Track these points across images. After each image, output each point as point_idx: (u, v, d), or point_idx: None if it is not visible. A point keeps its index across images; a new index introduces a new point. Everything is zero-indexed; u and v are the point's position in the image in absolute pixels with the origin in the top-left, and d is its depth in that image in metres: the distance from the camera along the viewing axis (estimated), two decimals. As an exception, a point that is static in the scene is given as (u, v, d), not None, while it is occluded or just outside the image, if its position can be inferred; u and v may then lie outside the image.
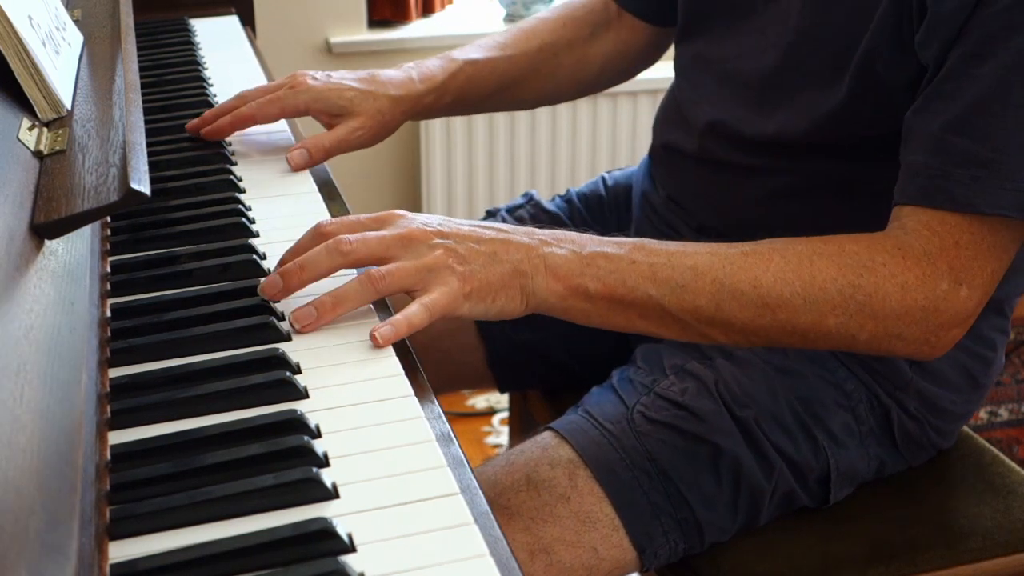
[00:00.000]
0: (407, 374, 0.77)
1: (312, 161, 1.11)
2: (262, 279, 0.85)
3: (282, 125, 1.21)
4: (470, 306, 0.85)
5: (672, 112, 1.21)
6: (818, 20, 1.00)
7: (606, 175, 1.37)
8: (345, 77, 1.15)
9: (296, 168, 1.10)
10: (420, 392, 0.76)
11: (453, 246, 0.84)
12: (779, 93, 1.05)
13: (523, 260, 0.86)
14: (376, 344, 0.79)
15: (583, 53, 1.29)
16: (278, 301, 0.84)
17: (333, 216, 1.01)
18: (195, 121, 1.15)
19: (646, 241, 0.91)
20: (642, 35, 1.30)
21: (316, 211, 1.02)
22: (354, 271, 0.86)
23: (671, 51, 1.28)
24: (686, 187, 1.19)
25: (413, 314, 0.81)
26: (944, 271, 0.88)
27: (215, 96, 1.29)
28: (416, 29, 2.52)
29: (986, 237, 0.88)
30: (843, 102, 0.98)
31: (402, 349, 0.81)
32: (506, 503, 0.98)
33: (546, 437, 1.04)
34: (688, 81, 1.19)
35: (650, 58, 1.34)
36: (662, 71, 1.38)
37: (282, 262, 0.86)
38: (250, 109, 1.12)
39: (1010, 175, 0.86)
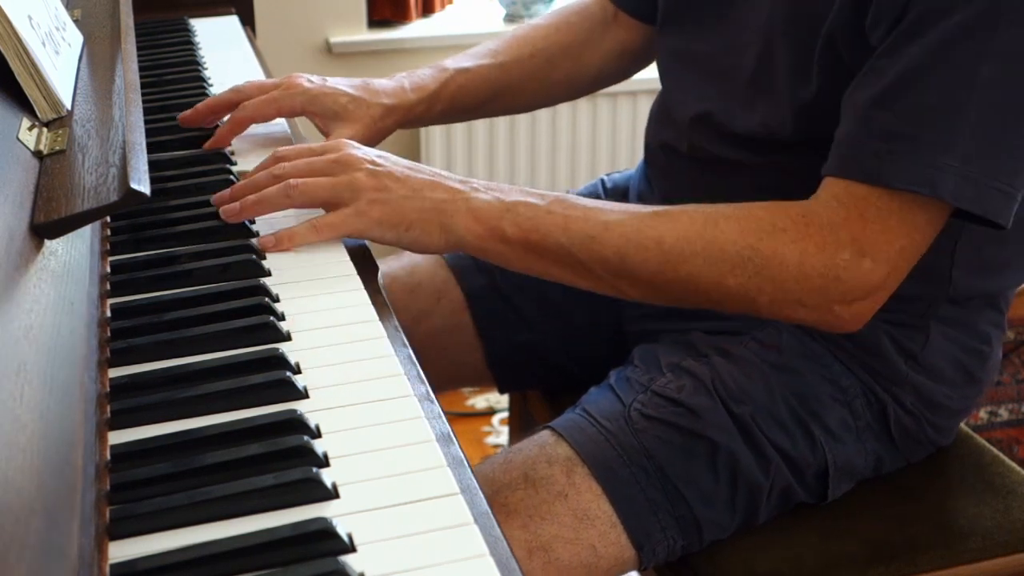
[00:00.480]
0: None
1: None
2: (262, 279, 0.86)
3: (280, 121, 1.22)
4: (380, 231, 0.91)
5: (662, 112, 1.22)
6: (788, 9, 1.01)
7: (605, 178, 1.38)
8: (339, 83, 1.16)
9: None
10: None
11: (377, 172, 0.92)
12: (761, 86, 1.05)
13: (446, 200, 0.92)
14: (262, 247, 0.91)
15: (578, 58, 1.29)
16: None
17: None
18: (188, 113, 1.16)
19: (568, 196, 0.97)
20: (638, 35, 1.30)
21: (316, 212, 1.02)
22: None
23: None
24: (680, 186, 1.19)
25: (299, 230, 0.91)
26: (846, 241, 0.89)
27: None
28: (416, 29, 2.52)
29: (895, 213, 0.89)
30: (816, 91, 0.99)
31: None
32: (504, 501, 0.98)
33: (544, 435, 1.04)
34: (672, 79, 1.19)
35: (647, 58, 1.34)
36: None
37: (236, 191, 0.95)
38: (246, 112, 1.13)
39: (924, 152, 0.87)
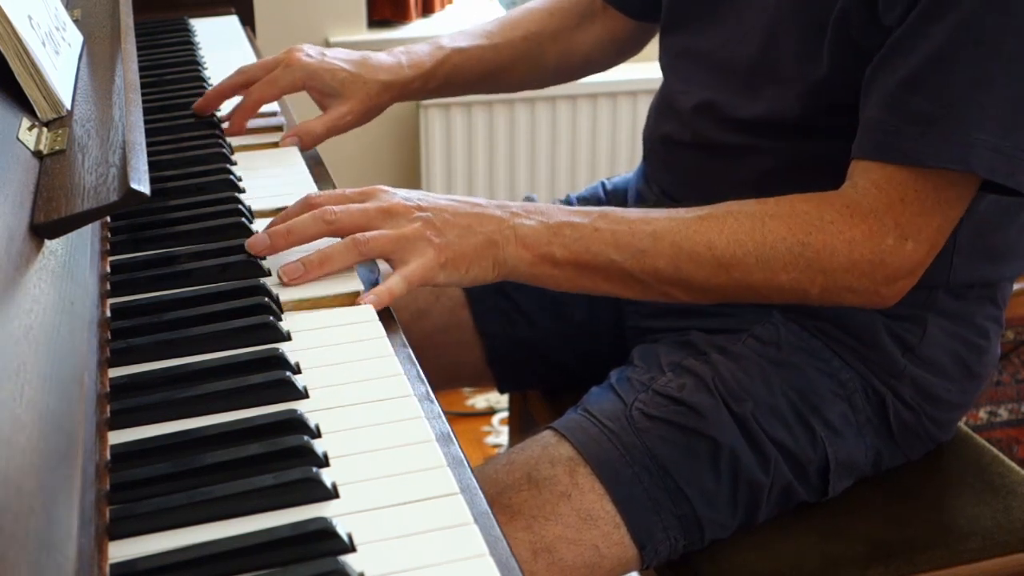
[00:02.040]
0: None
1: (304, 146, 1.17)
2: (262, 279, 0.86)
3: (279, 119, 1.24)
4: (446, 275, 0.91)
5: (663, 105, 1.22)
6: None
7: (605, 181, 1.39)
8: (338, 56, 1.20)
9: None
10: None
11: (430, 218, 0.90)
12: (766, 74, 1.06)
13: (495, 231, 0.92)
14: (366, 303, 0.86)
15: (568, 43, 1.32)
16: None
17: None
18: (200, 102, 1.20)
19: (610, 209, 0.97)
20: (625, 28, 1.32)
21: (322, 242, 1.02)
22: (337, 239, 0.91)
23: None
24: (679, 178, 1.20)
25: (393, 283, 0.88)
26: (890, 227, 0.93)
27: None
28: (416, 29, 2.52)
29: (931, 193, 0.92)
30: (826, 74, 1.00)
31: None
32: (507, 502, 0.98)
33: (546, 436, 1.04)
34: (675, 74, 1.20)
35: (633, 49, 1.37)
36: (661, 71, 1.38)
37: (270, 226, 0.91)
38: (253, 97, 1.17)
39: (955, 129, 0.89)
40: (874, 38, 0.95)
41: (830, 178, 1.04)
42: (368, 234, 0.89)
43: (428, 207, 0.92)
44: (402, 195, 0.93)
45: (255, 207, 1.01)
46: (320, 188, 1.06)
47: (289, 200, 0.96)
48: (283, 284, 0.88)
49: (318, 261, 0.88)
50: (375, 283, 0.90)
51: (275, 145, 1.17)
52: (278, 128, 1.21)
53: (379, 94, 1.20)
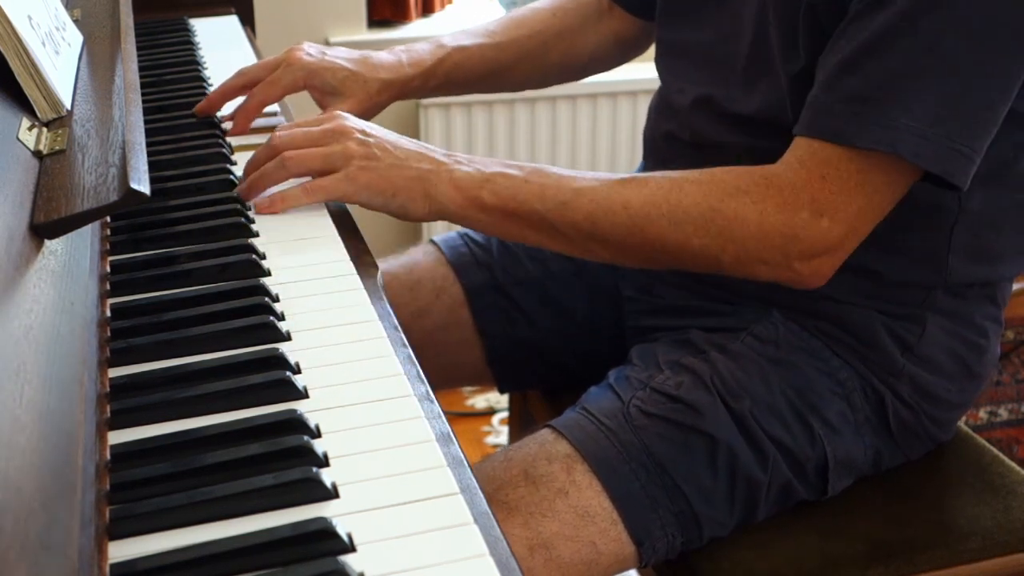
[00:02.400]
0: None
1: None
2: (262, 279, 0.86)
3: (279, 118, 1.24)
4: (368, 196, 0.97)
5: (661, 104, 1.22)
6: None
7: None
8: (339, 55, 1.21)
9: None
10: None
11: (369, 143, 0.98)
12: (758, 71, 1.07)
13: (431, 171, 0.98)
14: (258, 211, 0.98)
15: (572, 42, 1.32)
16: (262, 256, 0.93)
17: (332, 215, 1.01)
18: (202, 104, 1.21)
19: (545, 167, 1.01)
20: (631, 27, 1.32)
21: (315, 211, 1.02)
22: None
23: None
24: None
25: (291, 194, 0.98)
26: (805, 201, 0.93)
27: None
28: (416, 29, 2.52)
29: (854, 173, 0.93)
30: (805, 68, 1.00)
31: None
32: (504, 499, 0.98)
33: (544, 433, 1.04)
34: (670, 72, 1.20)
35: (637, 49, 1.36)
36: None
37: (245, 173, 1.02)
38: (255, 99, 1.18)
39: (887, 113, 0.90)
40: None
41: None
42: (296, 151, 0.97)
43: (371, 133, 0.98)
44: (354, 121, 1.00)
45: (268, 249, 0.98)
46: (328, 214, 1.05)
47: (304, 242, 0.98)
48: (244, 200, 1.00)
49: (255, 178, 0.99)
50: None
51: None
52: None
53: (379, 92, 1.21)
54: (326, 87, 1.19)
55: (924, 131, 0.90)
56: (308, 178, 1.00)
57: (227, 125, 1.20)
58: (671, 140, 1.19)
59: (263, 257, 0.92)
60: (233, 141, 1.17)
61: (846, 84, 0.92)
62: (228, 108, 1.22)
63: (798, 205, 0.93)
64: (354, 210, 1.07)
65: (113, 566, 0.59)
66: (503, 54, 1.29)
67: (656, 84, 1.25)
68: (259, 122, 1.21)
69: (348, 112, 1.17)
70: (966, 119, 0.91)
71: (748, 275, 0.98)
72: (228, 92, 1.20)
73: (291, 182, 1.01)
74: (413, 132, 2.50)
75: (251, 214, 1.00)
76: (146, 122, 1.07)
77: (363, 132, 0.99)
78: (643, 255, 0.99)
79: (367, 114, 1.21)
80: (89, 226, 0.81)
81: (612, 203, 0.97)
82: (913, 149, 0.90)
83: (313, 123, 1.01)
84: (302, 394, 0.74)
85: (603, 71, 1.39)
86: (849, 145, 0.91)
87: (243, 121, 1.19)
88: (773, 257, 0.95)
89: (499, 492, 0.98)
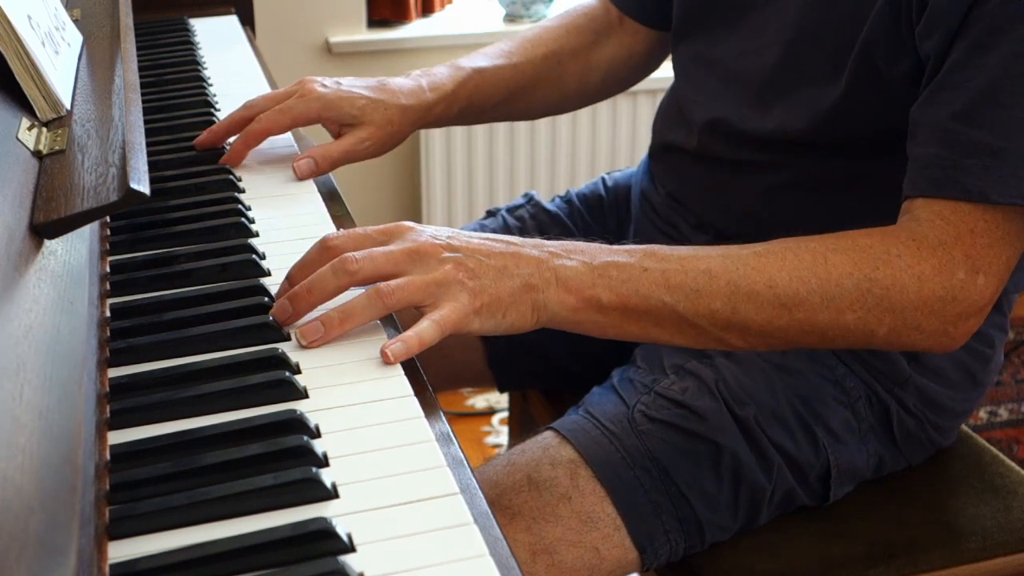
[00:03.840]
0: (413, 388, 0.76)
1: (319, 171, 1.10)
2: (262, 279, 0.86)
3: (288, 141, 1.20)
4: (480, 321, 0.83)
5: (672, 111, 1.22)
6: (817, 16, 1.00)
7: (606, 176, 1.38)
8: (355, 85, 1.13)
9: (302, 177, 1.08)
10: (427, 409, 0.75)
11: (463, 260, 0.83)
12: (779, 90, 1.05)
13: (534, 274, 0.84)
14: (387, 361, 0.78)
15: (587, 60, 1.29)
16: (289, 325, 0.82)
17: (332, 215, 1.01)
18: (204, 136, 1.13)
19: (656, 247, 0.90)
20: (644, 40, 1.30)
21: (315, 211, 1.02)
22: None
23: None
24: (686, 185, 1.19)
25: (424, 330, 0.80)
26: (960, 260, 0.87)
27: (215, 96, 1.29)
28: (416, 29, 2.52)
29: (1000, 225, 0.87)
30: (843, 97, 0.98)
31: (408, 363, 0.80)
32: (508, 503, 0.98)
33: (547, 437, 1.04)
34: (688, 81, 1.19)
35: (653, 63, 1.34)
36: (661, 71, 1.38)
37: (289, 278, 0.84)
38: (261, 125, 1.10)
39: (1020, 163, 0.86)
40: (901, 65, 0.93)
41: (837, 195, 1.04)
42: (394, 283, 0.81)
43: (459, 246, 0.84)
44: (429, 233, 0.85)
45: (268, 249, 0.94)
46: (330, 215, 1.01)
47: (289, 199, 0.95)
48: (301, 347, 0.80)
49: (339, 319, 0.80)
50: None
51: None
52: (286, 148, 1.14)
53: (400, 119, 1.13)
54: (344, 118, 1.11)
55: None
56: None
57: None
58: (676, 150, 1.19)
59: (263, 257, 0.92)
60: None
61: (968, 136, 0.87)
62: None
63: (954, 265, 0.87)
64: (352, 205, 1.07)
65: (113, 566, 0.59)
66: (521, 75, 1.25)
67: (655, 84, 1.25)
68: (268, 152, 1.14)
69: (367, 139, 1.12)
70: None
71: (900, 345, 0.91)
72: (234, 125, 1.12)
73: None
74: (414, 135, 2.49)
75: (251, 214, 1.00)
76: (146, 122, 1.07)
77: (449, 247, 0.83)
78: (788, 339, 0.90)
79: (388, 141, 1.14)
80: (89, 226, 0.81)
81: (754, 284, 0.87)
82: None
83: (378, 237, 0.85)
84: (302, 394, 0.74)
85: (619, 90, 1.35)
86: (991, 202, 0.86)
87: (242, 148, 1.10)
88: (930, 323, 0.88)
89: (502, 497, 0.98)
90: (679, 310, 0.87)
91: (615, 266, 0.86)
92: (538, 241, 0.88)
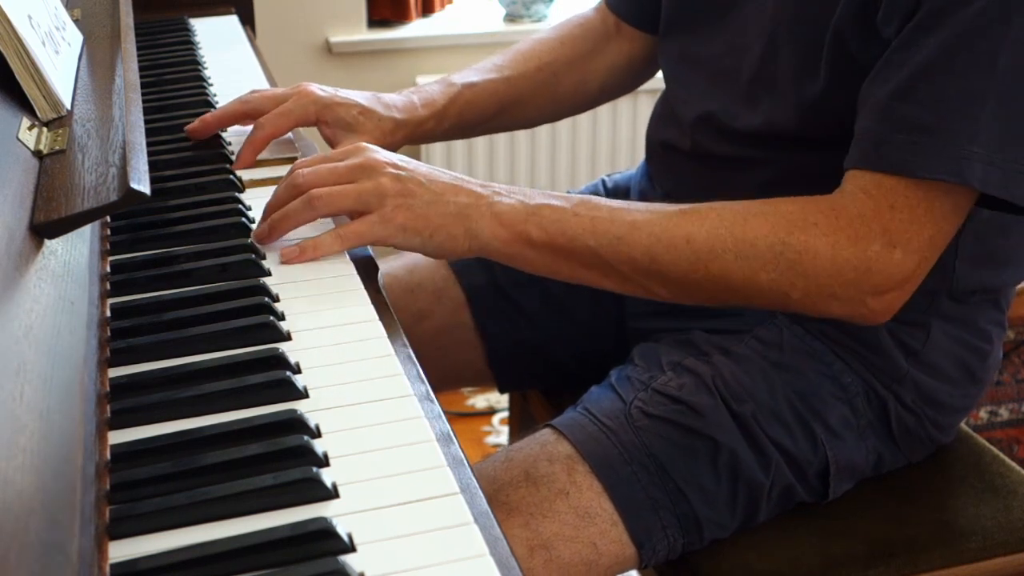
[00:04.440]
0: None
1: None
2: (262, 279, 0.86)
3: (289, 137, 1.21)
4: (405, 237, 0.90)
5: (664, 111, 1.22)
6: (792, 9, 1.02)
7: (606, 178, 1.38)
8: (350, 93, 1.15)
9: None
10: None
11: (401, 177, 0.90)
12: (765, 85, 1.06)
13: (470, 205, 0.91)
14: (283, 261, 0.90)
15: (583, 70, 1.29)
16: (263, 256, 0.91)
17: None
18: (196, 125, 1.13)
19: (594, 198, 0.95)
20: (643, 45, 1.30)
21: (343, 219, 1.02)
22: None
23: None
24: (682, 183, 1.19)
25: (324, 240, 0.90)
26: (877, 232, 0.90)
27: (215, 96, 1.29)
28: (416, 29, 2.52)
29: (922, 202, 0.89)
30: (824, 89, 0.99)
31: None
32: (505, 499, 0.98)
33: (544, 433, 1.04)
34: (676, 80, 1.19)
35: (653, 67, 1.33)
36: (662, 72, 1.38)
37: (266, 212, 0.94)
38: (264, 131, 1.11)
39: (949, 141, 0.88)
40: (872, 51, 0.94)
41: (829, 189, 1.04)
42: (326, 189, 0.89)
43: (403, 167, 0.91)
44: (383, 154, 0.92)
45: (268, 249, 0.95)
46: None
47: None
48: (259, 243, 0.92)
49: (279, 218, 0.91)
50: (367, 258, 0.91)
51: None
52: (291, 160, 1.13)
53: (393, 132, 1.16)
54: (339, 122, 1.13)
55: (990, 157, 0.87)
56: (329, 219, 0.95)
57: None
58: (671, 149, 1.19)
59: (263, 257, 0.92)
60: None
61: (902, 112, 0.89)
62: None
63: (870, 237, 0.90)
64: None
65: (113, 566, 0.59)
66: (514, 88, 1.25)
67: (655, 84, 1.25)
68: (267, 154, 1.14)
69: None
70: None
71: (818, 312, 0.94)
72: (226, 118, 1.14)
73: (318, 225, 0.94)
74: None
75: (251, 214, 1.00)
76: (146, 122, 1.07)
77: (395, 166, 0.91)
78: (706, 292, 0.94)
79: None
80: (89, 226, 0.81)
81: (673, 237, 0.92)
82: (980, 177, 0.88)
83: (338, 156, 0.94)
84: (302, 394, 0.74)
85: (616, 97, 1.36)
86: (916, 176, 0.89)
87: (249, 154, 1.11)
88: (846, 292, 0.91)
89: (500, 493, 0.98)
90: (602, 254, 0.92)
91: (549, 208, 0.93)
92: (485, 182, 0.94)
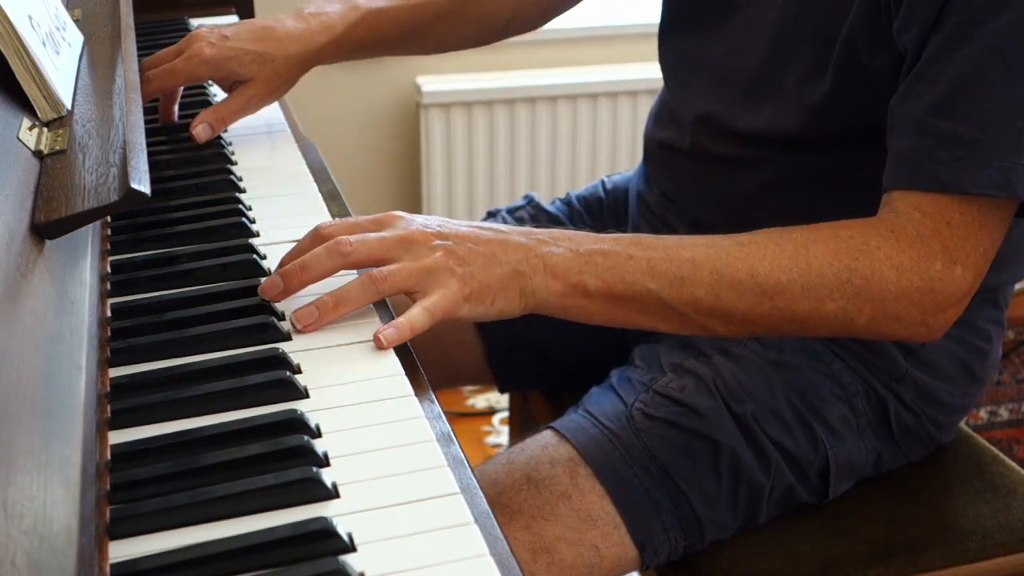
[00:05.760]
0: (407, 373, 0.77)
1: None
2: (262, 279, 0.86)
3: (279, 117, 1.23)
4: (470, 308, 0.85)
5: (663, 113, 1.22)
6: (799, 12, 1.01)
7: (605, 179, 1.38)
8: (240, 36, 1.14)
9: (201, 141, 1.12)
10: (420, 391, 0.76)
11: (452, 247, 0.85)
12: (767, 87, 1.05)
13: (522, 260, 0.86)
14: (380, 346, 0.80)
15: (492, 3, 1.27)
16: (278, 301, 0.84)
17: (333, 215, 1.01)
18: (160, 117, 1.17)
19: (643, 236, 0.92)
20: None
21: (316, 210, 1.02)
22: (354, 273, 0.86)
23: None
24: (679, 183, 1.19)
25: (415, 317, 0.81)
26: (938, 251, 0.89)
27: (215, 96, 1.29)
28: (416, 29, 2.51)
29: (976, 216, 0.89)
30: (829, 92, 0.99)
31: (402, 348, 0.81)
32: (507, 502, 0.98)
33: (546, 436, 1.04)
34: (676, 79, 1.19)
35: (559, 9, 1.32)
36: (659, 72, 1.37)
37: (282, 264, 0.86)
38: (152, 85, 1.12)
39: (993, 154, 0.87)
40: (882, 59, 0.94)
41: (828, 190, 1.05)
42: (386, 268, 0.83)
43: (449, 234, 0.86)
44: (420, 222, 0.87)
45: (268, 249, 0.94)
46: (330, 214, 1.01)
47: (290, 199, 0.95)
48: (296, 331, 0.82)
49: (332, 303, 0.82)
50: None
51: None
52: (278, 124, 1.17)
53: (287, 70, 1.15)
54: (231, 76, 1.13)
55: None
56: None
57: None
58: (669, 149, 1.19)
59: (263, 257, 0.92)
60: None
61: (944, 129, 0.88)
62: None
63: (932, 256, 0.89)
64: (353, 205, 1.07)
65: (113, 566, 0.59)
66: (420, 15, 1.23)
67: (655, 84, 1.25)
68: (258, 131, 1.17)
69: (256, 96, 1.14)
70: None
71: (881, 334, 0.93)
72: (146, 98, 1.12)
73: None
74: (413, 132, 2.50)
75: (252, 214, 1.00)
76: (146, 122, 1.07)
77: (438, 234, 0.85)
78: (770, 326, 0.92)
79: (276, 93, 1.16)
80: (89, 226, 0.81)
81: (736, 272, 0.89)
82: None
83: (369, 226, 0.86)
84: (302, 394, 0.74)
85: (523, 32, 1.34)
86: (965, 192, 0.88)
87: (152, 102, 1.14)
88: (910, 314, 0.90)
89: (501, 496, 0.98)
90: (663, 297, 0.88)
91: (601, 253, 0.88)
92: (527, 230, 0.89)
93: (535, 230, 0.90)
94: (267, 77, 1.14)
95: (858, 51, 0.96)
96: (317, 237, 0.85)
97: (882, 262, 0.89)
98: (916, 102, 0.90)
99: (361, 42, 1.20)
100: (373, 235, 0.85)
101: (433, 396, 0.76)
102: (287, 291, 0.84)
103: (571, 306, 0.88)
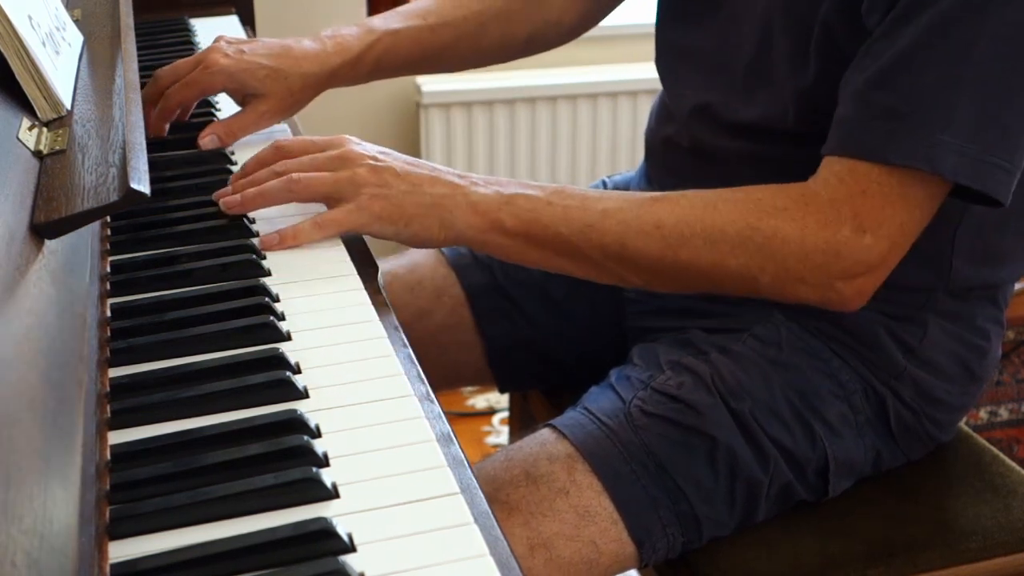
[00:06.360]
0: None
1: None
2: (262, 278, 0.86)
3: (282, 124, 1.22)
4: (380, 226, 0.92)
5: (662, 108, 1.22)
6: (781, 1, 1.02)
7: (607, 179, 1.38)
8: (257, 51, 1.14)
9: (206, 150, 1.13)
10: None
11: (378, 168, 0.93)
12: (759, 78, 1.06)
13: (446, 195, 0.93)
14: (261, 247, 0.92)
15: (511, 23, 1.27)
16: (263, 256, 0.91)
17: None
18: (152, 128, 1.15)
19: (567, 187, 0.97)
20: (574, 9, 1.29)
21: (316, 210, 1.02)
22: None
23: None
24: (683, 181, 1.19)
25: (302, 228, 0.92)
26: (847, 217, 0.90)
27: (214, 96, 1.29)
28: (416, 29, 2.51)
29: (895, 188, 0.90)
30: (815, 81, 1.00)
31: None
32: (505, 498, 0.98)
33: (545, 433, 1.04)
34: (671, 74, 1.20)
35: (576, 33, 1.33)
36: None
37: (245, 172, 0.97)
38: (171, 101, 1.13)
39: (923, 129, 0.88)
40: (858, 44, 0.95)
41: None
42: (305, 174, 0.92)
43: (382, 158, 0.94)
44: (365, 146, 0.95)
45: (259, 220, 0.98)
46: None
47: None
48: (221, 211, 0.95)
49: (254, 194, 0.94)
50: None
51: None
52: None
53: (302, 89, 1.15)
54: (246, 89, 1.13)
55: (962, 147, 0.88)
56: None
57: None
58: (671, 145, 1.19)
59: (263, 257, 0.92)
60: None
61: (878, 100, 0.90)
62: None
63: (840, 221, 0.90)
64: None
65: (113, 566, 0.59)
66: (438, 37, 1.23)
67: (655, 84, 1.25)
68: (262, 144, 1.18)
69: (269, 111, 1.15)
70: (1004, 131, 0.89)
71: (787, 296, 0.95)
72: (146, 100, 1.12)
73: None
74: (413, 132, 2.50)
75: (251, 215, 1.00)
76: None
77: (373, 157, 0.94)
78: (676, 278, 0.95)
79: (289, 110, 1.17)
80: (89, 226, 0.80)
81: (643, 223, 0.93)
82: (952, 166, 0.88)
83: (320, 144, 0.96)
84: (302, 394, 0.74)
85: (540, 52, 1.34)
86: (888, 163, 0.89)
87: (159, 123, 1.13)
88: (814, 276, 0.92)
89: (500, 492, 0.98)
90: (574, 241, 0.94)
91: (523, 197, 0.94)
92: (463, 172, 0.96)
93: (472, 174, 0.96)
94: (281, 94, 1.14)
95: (835, 36, 0.97)
96: (277, 151, 0.96)
97: (787, 222, 0.91)
98: (859, 74, 0.92)
99: (378, 64, 1.21)
100: (309, 157, 0.95)
101: (433, 396, 0.76)
102: (243, 209, 0.95)
103: (488, 241, 0.94)
